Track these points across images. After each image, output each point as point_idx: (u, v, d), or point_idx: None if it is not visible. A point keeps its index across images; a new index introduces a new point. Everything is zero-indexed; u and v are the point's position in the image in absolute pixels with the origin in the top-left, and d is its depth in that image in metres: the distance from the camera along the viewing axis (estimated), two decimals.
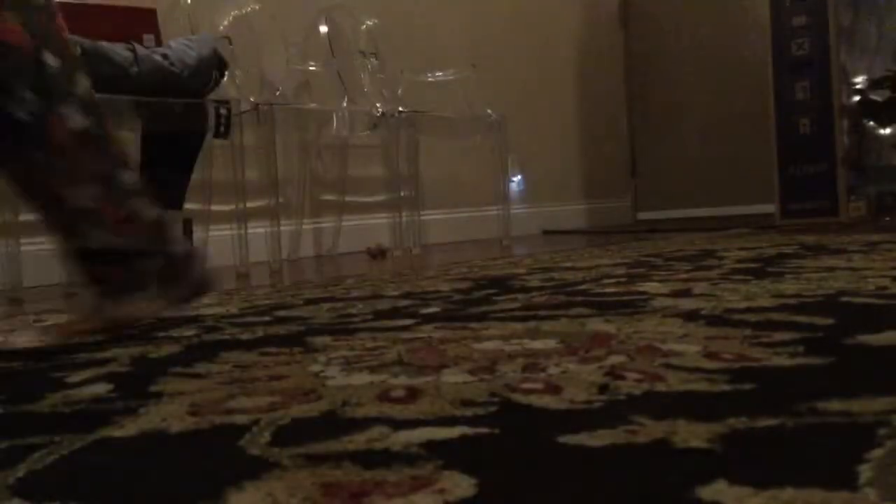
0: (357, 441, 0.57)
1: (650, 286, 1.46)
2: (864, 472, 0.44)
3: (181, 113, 2.20)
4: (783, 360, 0.76)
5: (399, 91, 3.25)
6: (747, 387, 0.67)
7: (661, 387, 0.68)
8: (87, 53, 1.93)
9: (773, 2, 3.49)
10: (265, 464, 0.53)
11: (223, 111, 2.32)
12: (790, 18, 3.45)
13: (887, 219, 3.34)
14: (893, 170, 3.56)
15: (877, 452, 0.48)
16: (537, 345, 0.92)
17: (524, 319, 1.13)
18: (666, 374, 0.73)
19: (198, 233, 2.57)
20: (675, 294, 1.32)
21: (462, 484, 0.47)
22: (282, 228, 2.77)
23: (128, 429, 0.65)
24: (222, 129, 2.33)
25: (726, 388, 0.67)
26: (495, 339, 0.97)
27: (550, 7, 4.39)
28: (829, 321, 0.97)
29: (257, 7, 2.94)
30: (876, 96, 3.51)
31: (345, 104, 3.10)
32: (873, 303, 1.13)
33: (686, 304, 1.19)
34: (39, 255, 2.19)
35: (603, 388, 0.69)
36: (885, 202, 3.50)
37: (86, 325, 1.17)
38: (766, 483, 0.43)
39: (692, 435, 0.53)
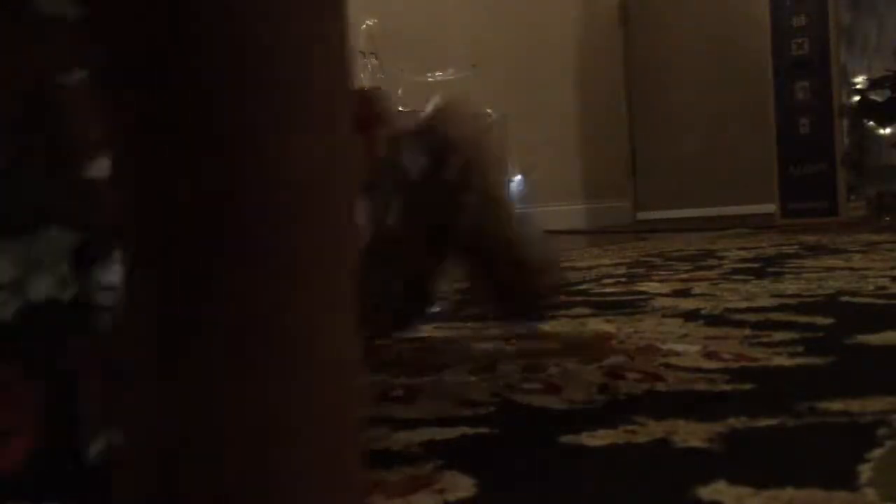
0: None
1: (650, 286, 1.46)
2: (864, 472, 0.44)
3: None
4: (783, 360, 0.76)
5: (399, 91, 3.25)
6: (747, 387, 0.67)
7: (661, 387, 0.68)
8: None
9: (773, 2, 3.49)
10: None
11: None
12: (790, 18, 3.45)
13: (887, 219, 3.34)
14: (893, 169, 3.56)
15: (877, 452, 0.48)
16: (537, 345, 0.92)
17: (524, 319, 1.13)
18: (666, 374, 0.73)
19: None
20: (675, 294, 1.32)
21: (462, 484, 0.47)
22: None
23: None
24: None
25: (726, 388, 0.67)
26: (495, 340, 0.97)
27: (550, 6, 4.39)
28: (829, 321, 0.97)
29: None
30: (876, 96, 3.51)
31: None
32: (873, 303, 1.13)
33: (686, 304, 1.19)
34: None
35: (603, 388, 0.69)
36: (885, 202, 3.49)
37: None
38: (766, 483, 0.43)
39: (692, 435, 0.53)
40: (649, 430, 0.55)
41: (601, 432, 0.55)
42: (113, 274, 0.29)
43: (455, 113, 0.80)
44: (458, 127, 0.78)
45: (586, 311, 1.18)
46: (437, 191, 0.76)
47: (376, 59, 3.24)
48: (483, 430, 0.58)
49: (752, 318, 1.02)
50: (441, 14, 3.83)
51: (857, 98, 3.54)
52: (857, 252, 1.92)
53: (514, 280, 0.88)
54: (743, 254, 2.07)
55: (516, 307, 0.93)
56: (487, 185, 0.80)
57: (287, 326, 0.24)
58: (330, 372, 0.26)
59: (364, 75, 3.22)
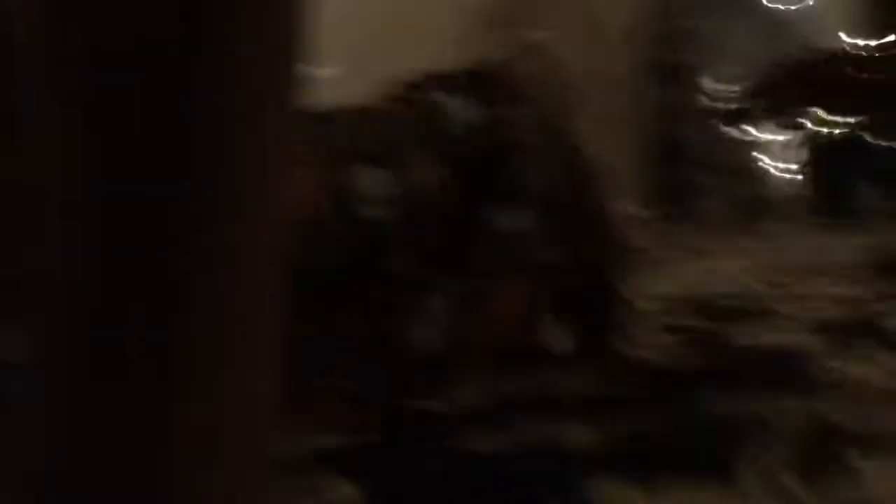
0: None
1: None
2: (742, 467, 0.46)
3: None
4: (667, 361, 0.78)
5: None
6: (633, 388, 0.68)
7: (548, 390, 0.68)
8: None
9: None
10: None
11: None
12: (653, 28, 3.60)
13: (747, 220, 3.50)
14: (748, 170, 3.74)
15: (754, 448, 0.49)
16: None
17: None
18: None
19: None
20: None
21: (347, 491, 0.45)
22: None
23: None
24: None
25: (612, 389, 0.68)
26: None
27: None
28: (708, 323, 0.99)
29: None
30: (728, 103, 3.71)
31: None
32: (749, 305, 1.17)
33: None
34: None
35: (494, 391, 0.68)
36: (745, 203, 3.68)
37: None
38: (654, 482, 0.44)
39: (580, 437, 0.53)
40: (538, 433, 0.55)
41: (489, 436, 0.55)
42: None
43: (527, 59, 0.67)
44: (526, 72, 0.63)
45: None
46: (490, 149, 0.60)
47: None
48: (371, 435, 0.57)
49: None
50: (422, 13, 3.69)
51: (711, 104, 3.74)
52: (724, 253, 1.99)
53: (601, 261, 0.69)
54: None
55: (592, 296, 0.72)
56: (564, 140, 0.66)
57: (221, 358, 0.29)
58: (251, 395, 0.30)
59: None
